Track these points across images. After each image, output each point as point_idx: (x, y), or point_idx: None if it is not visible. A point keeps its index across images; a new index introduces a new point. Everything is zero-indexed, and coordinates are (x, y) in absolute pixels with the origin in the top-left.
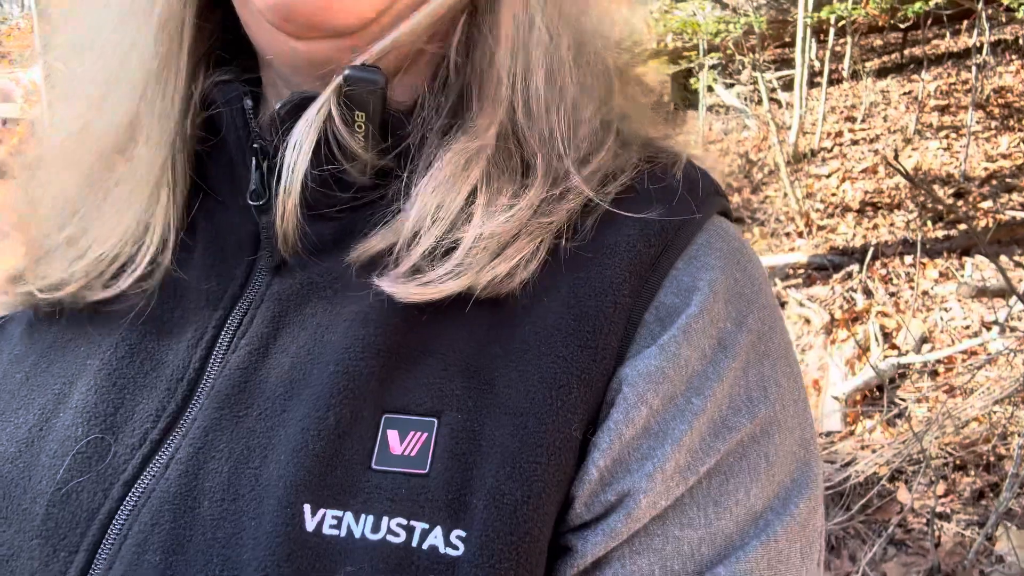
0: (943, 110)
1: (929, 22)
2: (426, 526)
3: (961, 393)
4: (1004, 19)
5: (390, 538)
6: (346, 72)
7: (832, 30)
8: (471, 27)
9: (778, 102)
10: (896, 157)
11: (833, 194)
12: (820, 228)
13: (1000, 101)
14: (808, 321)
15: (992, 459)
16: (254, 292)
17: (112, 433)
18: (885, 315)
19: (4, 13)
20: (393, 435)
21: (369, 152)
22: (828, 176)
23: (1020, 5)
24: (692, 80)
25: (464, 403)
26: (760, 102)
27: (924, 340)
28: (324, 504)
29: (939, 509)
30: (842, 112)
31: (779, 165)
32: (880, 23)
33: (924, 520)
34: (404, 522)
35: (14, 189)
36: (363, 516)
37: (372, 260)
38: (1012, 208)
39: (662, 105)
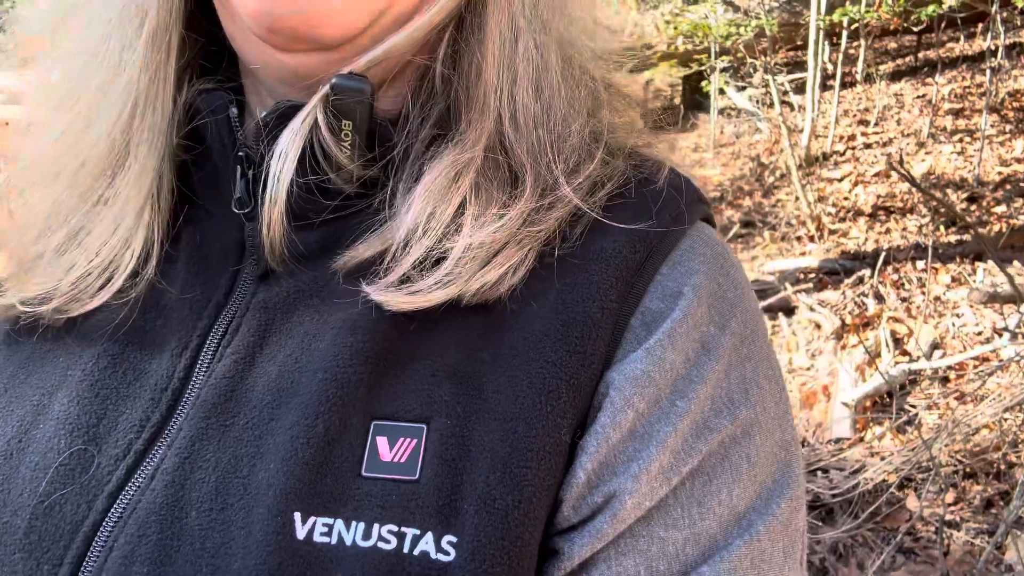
0: (957, 114)
1: (943, 25)
2: (417, 532)
3: (972, 400)
4: (1019, 22)
5: (381, 545)
6: (333, 81)
7: (845, 33)
8: (458, 40)
9: (790, 105)
10: (901, 162)
11: (845, 198)
12: (832, 232)
13: (1015, 105)
14: (818, 326)
15: (1002, 467)
16: (239, 301)
17: (95, 444)
18: (896, 320)
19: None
20: (383, 442)
21: (355, 161)
22: (840, 180)
23: None
24: (704, 83)
25: (453, 409)
26: (772, 105)
27: (935, 346)
28: (314, 512)
29: (948, 517)
30: (855, 115)
31: (790, 169)
32: (893, 26)
33: (933, 528)
34: (395, 528)
35: None
36: (354, 523)
37: (358, 268)
38: None
39: (646, 114)
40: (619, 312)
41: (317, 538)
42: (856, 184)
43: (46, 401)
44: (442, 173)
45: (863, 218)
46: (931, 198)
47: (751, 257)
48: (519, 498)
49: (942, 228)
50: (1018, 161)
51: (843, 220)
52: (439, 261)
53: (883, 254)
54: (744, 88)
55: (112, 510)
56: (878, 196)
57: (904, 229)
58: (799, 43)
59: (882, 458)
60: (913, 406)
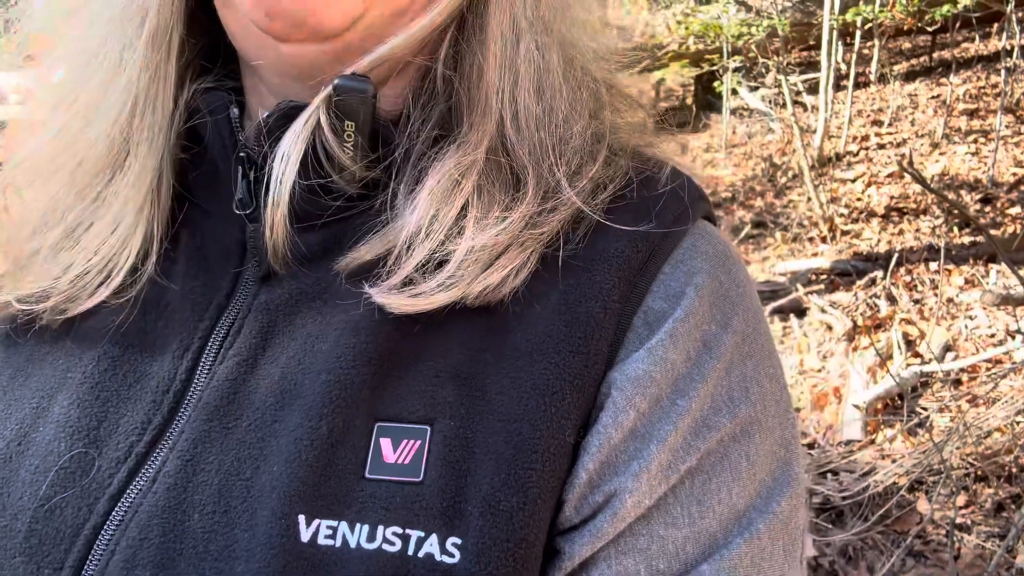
0: (972, 114)
1: (958, 25)
2: (421, 534)
3: (984, 403)
4: None
5: (386, 547)
6: (336, 82)
7: (858, 33)
8: (459, 41)
9: (803, 105)
10: (911, 162)
11: (858, 199)
12: (844, 233)
13: None
14: (830, 328)
15: (1014, 470)
16: (240, 302)
17: (96, 447)
18: (909, 322)
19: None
20: (386, 443)
21: (358, 162)
22: (854, 181)
23: None
24: (716, 84)
25: (457, 410)
26: (784, 105)
27: (948, 348)
28: (319, 514)
29: (959, 520)
30: (869, 116)
31: (803, 169)
32: (907, 26)
33: (944, 531)
34: (399, 531)
35: None
36: (358, 525)
37: (360, 269)
38: None
39: (647, 114)
40: (622, 312)
41: (321, 541)
42: (869, 185)
43: (45, 404)
44: (445, 175)
45: (876, 219)
46: (943, 199)
47: (762, 258)
48: (524, 500)
49: (955, 229)
50: None
51: (856, 221)
52: (441, 264)
53: (896, 255)
54: (757, 88)
55: (113, 513)
56: (891, 197)
57: (917, 230)
58: (812, 43)
59: (893, 460)
60: (925, 409)
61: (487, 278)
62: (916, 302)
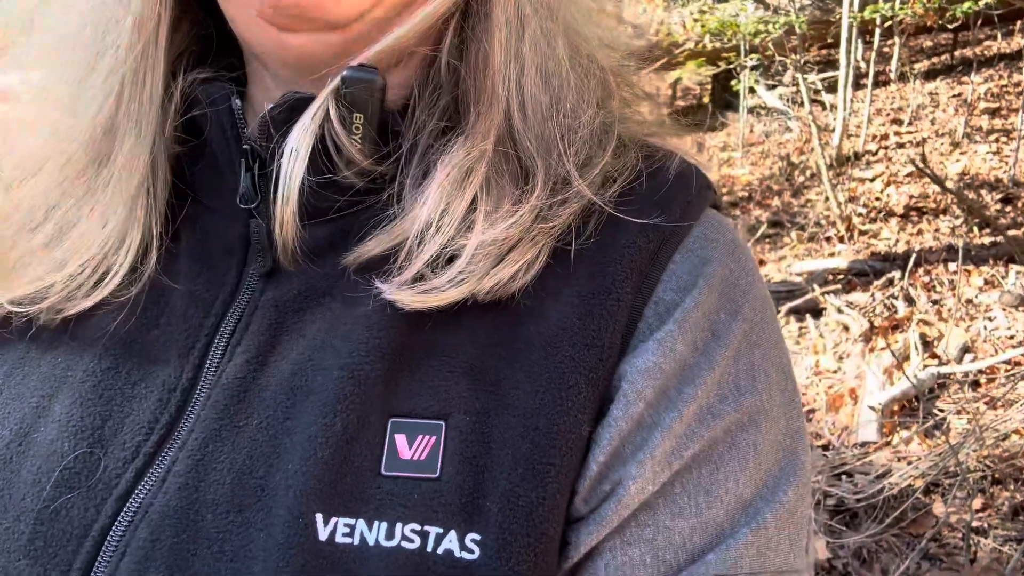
0: (993, 113)
1: (979, 22)
2: (440, 530)
3: (1002, 405)
4: None
5: (405, 544)
6: (344, 73)
7: (878, 31)
8: (464, 29)
9: (822, 104)
10: (924, 161)
11: (877, 198)
12: (862, 233)
13: None
14: (847, 328)
15: None
16: (246, 298)
17: (101, 447)
18: (927, 323)
19: None
20: (401, 439)
21: (367, 155)
22: (872, 180)
23: None
24: (734, 82)
25: (471, 405)
26: (802, 104)
27: (966, 350)
28: (336, 512)
29: (975, 524)
30: (888, 114)
31: (820, 168)
32: (927, 23)
33: (960, 534)
34: (418, 527)
35: None
36: (376, 523)
37: (369, 264)
38: None
39: (655, 103)
40: (633, 303)
41: (339, 539)
42: (888, 184)
43: (46, 403)
44: (454, 168)
45: (895, 219)
46: (959, 198)
47: (779, 257)
48: (543, 494)
49: (975, 229)
50: None
51: (874, 221)
52: (452, 259)
53: (914, 255)
54: (775, 87)
55: (122, 514)
56: (910, 196)
57: (937, 230)
58: (830, 41)
59: (908, 463)
60: (942, 411)
61: (498, 273)
62: (934, 303)
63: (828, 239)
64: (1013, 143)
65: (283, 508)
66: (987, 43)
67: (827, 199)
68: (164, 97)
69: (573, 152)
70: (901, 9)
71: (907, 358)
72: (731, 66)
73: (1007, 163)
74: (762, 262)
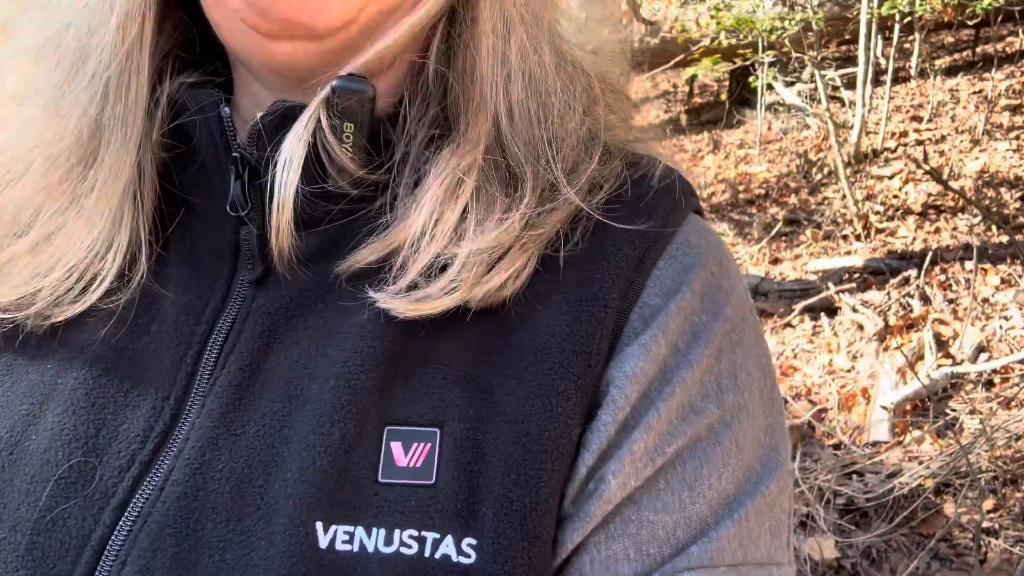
0: (1014, 110)
1: (1000, 18)
2: (437, 536)
3: (1016, 405)
4: None
5: (403, 550)
6: (334, 83)
7: (897, 27)
8: (451, 35)
9: (841, 100)
10: (926, 159)
11: (895, 196)
12: (879, 231)
13: None
14: (861, 327)
15: None
16: (237, 305)
17: (96, 455)
18: (942, 322)
19: None
20: (397, 447)
21: (359, 164)
22: (891, 177)
23: None
24: (751, 79)
25: (465, 412)
26: (820, 101)
27: (981, 349)
28: (335, 520)
29: (986, 524)
30: (908, 111)
31: (837, 166)
32: (948, 19)
33: (970, 535)
34: (416, 533)
35: None
36: (375, 530)
37: (362, 272)
38: None
39: (638, 111)
40: (620, 309)
41: (339, 546)
42: (907, 182)
43: (36, 411)
44: (447, 177)
45: (912, 217)
46: (964, 199)
47: (794, 256)
48: (536, 499)
49: (993, 228)
50: None
51: (891, 219)
52: (444, 267)
53: (931, 254)
54: (793, 83)
55: (121, 523)
56: (928, 194)
57: (955, 228)
58: (848, 37)
59: (920, 462)
60: (955, 410)
61: (489, 281)
62: (950, 302)
63: (845, 237)
64: None
65: (283, 517)
66: (1009, 39)
67: (844, 197)
68: (150, 101)
69: (560, 159)
70: (920, 5)
71: (921, 357)
72: (747, 63)
73: None
74: (777, 260)
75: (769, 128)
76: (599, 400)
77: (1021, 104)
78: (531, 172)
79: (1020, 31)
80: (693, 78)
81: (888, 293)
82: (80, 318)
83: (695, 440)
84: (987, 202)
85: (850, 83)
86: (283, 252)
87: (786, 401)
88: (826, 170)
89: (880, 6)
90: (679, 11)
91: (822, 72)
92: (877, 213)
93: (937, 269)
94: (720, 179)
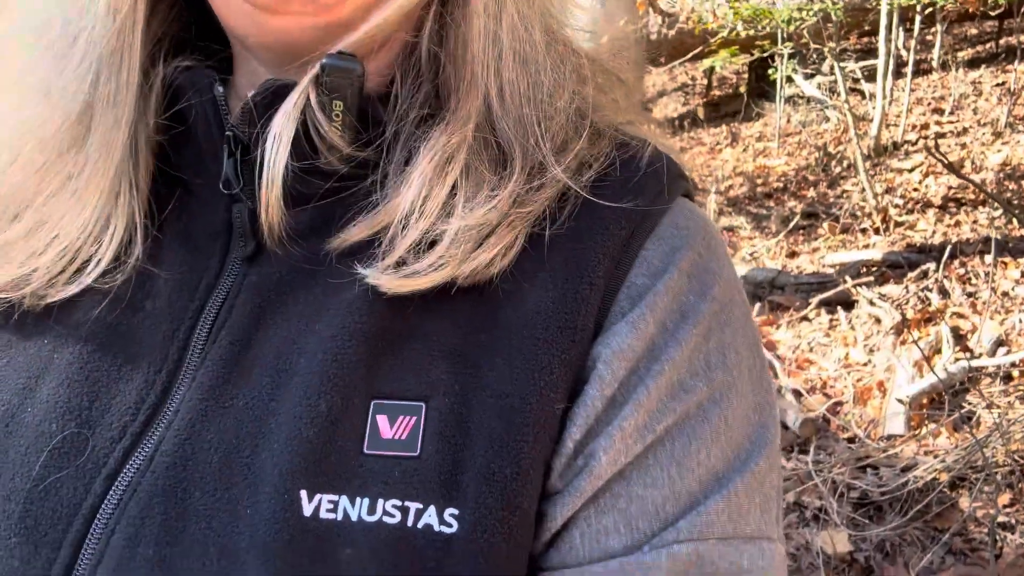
0: None
1: None
2: (420, 506)
3: None
4: None
5: (386, 519)
6: (324, 61)
7: (919, 18)
8: (443, 14)
9: (861, 93)
10: (937, 148)
11: (915, 189)
12: (898, 225)
13: None
14: (878, 321)
15: None
16: (230, 281)
17: (88, 427)
18: (960, 316)
19: None
20: (383, 420)
21: (347, 141)
22: (911, 170)
23: None
24: (770, 71)
25: (451, 387)
26: (839, 93)
27: (1000, 343)
28: (320, 489)
29: (1002, 519)
30: (929, 104)
31: (856, 159)
32: (971, 10)
33: (985, 530)
34: (399, 503)
35: None
36: (359, 499)
37: (352, 249)
38: None
39: (629, 92)
40: (606, 288)
41: (323, 514)
42: (927, 175)
43: (32, 385)
44: (436, 154)
45: (932, 210)
46: (981, 190)
47: (812, 249)
48: (517, 469)
49: (1015, 221)
50: None
51: (911, 212)
52: (433, 243)
53: (950, 247)
54: (813, 75)
55: (111, 493)
56: (949, 187)
57: (975, 222)
58: (868, 28)
59: (935, 456)
60: (972, 404)
61: (477, 258)
62: (969, 295)
63: (863, 231)
64: None
65: (269, 486)
66: None
67: (863, 190)
68: (144, 84)
69: (550, 137)
70: None
71: (939, 351)
72: (765, 54)
73: None
74: (795, 253)
75: (788, 121)
76: (585, 376)
77: None
78: (520, 150)
79: None
80: (711, 70)
81: (906, 287)
82: (76, 297)
83: (684, 417)
84: (1009, 195)
85: (870, 75)
86: (273, 228)
87: (800, 394)
88: (845, 163)
89: None
90: (696, 2)
91: (842, 64)
92: (896, 206)
93: (956, 263)
94: (738, 172)
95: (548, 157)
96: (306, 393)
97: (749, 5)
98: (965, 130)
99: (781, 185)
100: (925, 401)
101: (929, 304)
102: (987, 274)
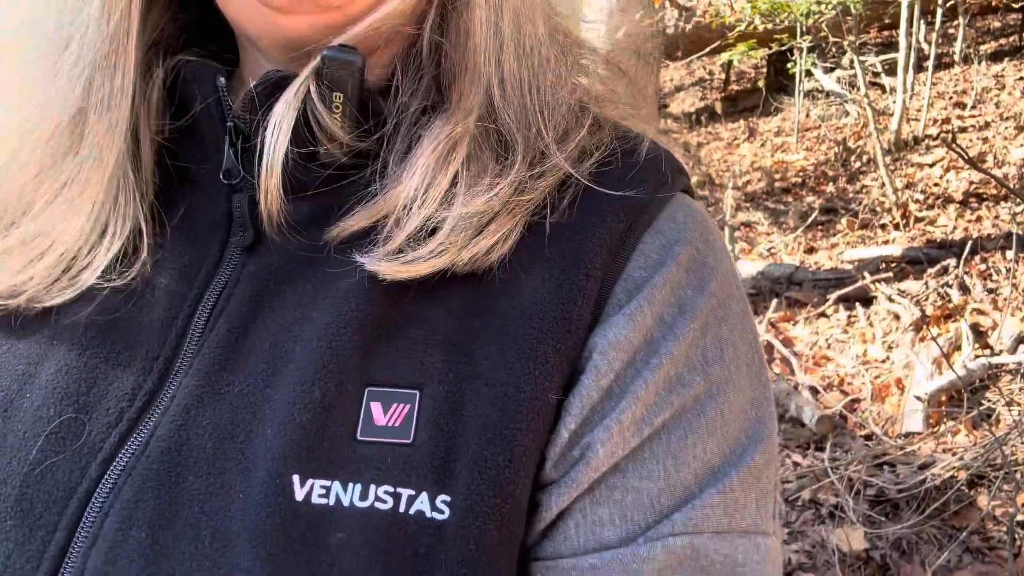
0: None
1: None
2: (412, 492)
3: None
4: None
5: (378, 505)
6: (324, 53)
7: (940, 11)
8: (445, 6)
9: (881, 87)
10: (954, 140)
11: (936, 184)
12: (918, 220)
13: None
14: (897, 317)
15: None
16: (229, 270)
17: (86, 412)
18: (981, 312)
19: None
20: (376, 407)
21: (347, 132)
22: (932, 165)
23: None
24: (789, 65)
25: (445, 375)
26: (859, 87)
27: (1021, 340)
28: (312, 475)
29: (1020, 517)
30: (951, 98)
31: (876, 153)
32: (993, 2)
33: (1004, 528)
34: (391, 489)
35: None
36: (351, 485)
37: (350, 238)
38: None
39: (629, 84)
40: (603, 279)
41: (315, 499)
42: (948, 170)
43: (32, 371)
44: (440, 144)
45: (953, 205)
46: (1000, 183)
47: (830, 245)
48: (509, 457)
49: None
50: None
51: (931, 207)
52: (433, 231)
53: (971, 243)
54: (832, 69)
55: (106, 477)
56: (970, 182)
57: (996, 217)
58: (888, 21)
59: (953, 454)
60: (991, 401)
61: (477, 245)
62: (990, 292)
63: (883, 226)
64: None
65: (262, 470)
66: None
67: (883, 185)
68: (143, 82)
69: (551, 127)
70: None
71: (958, 348)
72: (784, 48)
73: None
74: (813, 249)
75: (807, 115)
76: (581, 367)
77: None
78: (522, 140)
79: None
80: (729, 64)
81: (926, 283)
82: (76, 297)
83: (681, 411)
84: (1006, 189)
85: (891, 69)
86: (272, 216)
87: (817, 391)
88: (865, 158)
89: None
90: None
91: (862, 58)
92: (917, 202)
93: (977, 259)
94: (756, 167)
95: (550, 145)
96: (300, 379)
97: None
98: (987, 124)
99: (799, 180)
100: (944, 398)
101: (949, 300)
102: (1008, 270)
